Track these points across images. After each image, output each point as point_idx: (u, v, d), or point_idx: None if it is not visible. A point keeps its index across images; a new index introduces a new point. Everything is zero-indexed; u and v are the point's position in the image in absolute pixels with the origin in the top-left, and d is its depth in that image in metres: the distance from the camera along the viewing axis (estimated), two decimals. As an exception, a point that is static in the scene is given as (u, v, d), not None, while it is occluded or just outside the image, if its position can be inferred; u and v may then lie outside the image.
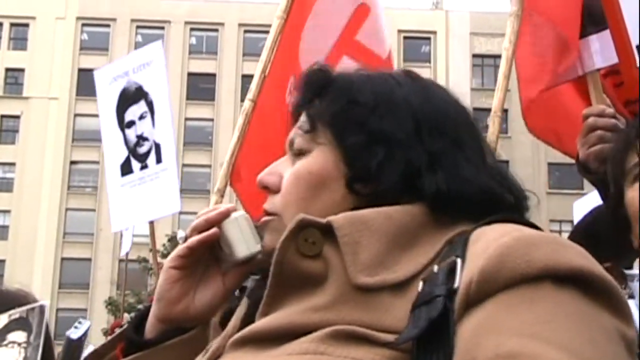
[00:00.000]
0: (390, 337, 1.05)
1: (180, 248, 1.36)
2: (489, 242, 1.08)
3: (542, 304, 1.01)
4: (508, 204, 1.26)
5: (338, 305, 1.12)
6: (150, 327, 1.38)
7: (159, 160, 5.25)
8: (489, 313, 1.02)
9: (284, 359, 1.08)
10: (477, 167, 1.28)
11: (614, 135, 2.42)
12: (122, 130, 5.41)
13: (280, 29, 4.10)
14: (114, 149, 5.42)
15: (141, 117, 5.34)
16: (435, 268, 1.11)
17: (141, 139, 5.33)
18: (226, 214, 1.35)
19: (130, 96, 5.38)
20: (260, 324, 1.16)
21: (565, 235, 2.80)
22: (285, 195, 1.32)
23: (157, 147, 5.28)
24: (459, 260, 1.09)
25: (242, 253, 1.34)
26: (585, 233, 2.62)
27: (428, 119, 1.29)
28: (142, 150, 5.31)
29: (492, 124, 3.22)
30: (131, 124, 5.38)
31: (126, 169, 5.36)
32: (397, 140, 1.27)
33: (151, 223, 5.45)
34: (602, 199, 2.51)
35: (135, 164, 5.33)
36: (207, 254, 1.37)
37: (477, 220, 1.20)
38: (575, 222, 3.07)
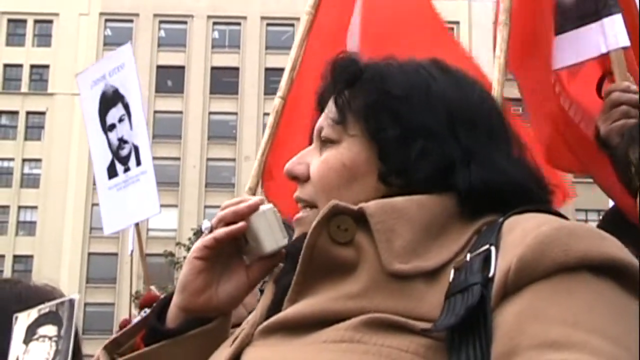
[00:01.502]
0: (425, 325, 1.05)
1: (206, 239, 1.34)
2: (527, 230, 1.08)
3: (581, 294, 1.02)
4: (535, 196, 1.26)
5: (371, 293, 1.11)
6: (172, 317, 1.37)
7: (138, 162, 5.28)
8: (530, 301, 1.02)
9: (320, 346, 1.08)
10: (508, 160, 1.28)
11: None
12: (105, 133, 5.44)
13: (310, 25, 4.08)
14: (100, 153, 5.46)
15: (120, 120, 5.37)
16: (468, 256, 1.11)
17: (122, 141, 5.36)
18: (255, 207, 1.34)
19: (109, 99, 5.42)
20: (291, 311, 1.16)
21: (591, 224, 2.79)
22: (316, 184, 1.32)
23: (136, 149, 5.31)
24: (493, 249, 1.09)
25: (270, 247, 1.33)
26: (615, 220, 2.60)
27: (462, 112, 1.29)
28: (124, 153, 5.34)
29: None
30: (112, 127, 5.41)
31: (112, 172, 5.40)
32: (433, 134, 1.27)
33: (136, 225, 5.47)
34: (618, 177, 2.49)
35: (119, 167, 5.37)
36: (230, 246, 1.36)
37: (503, 210, 1.19)
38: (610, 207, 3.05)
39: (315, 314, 1.12)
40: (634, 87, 2.59)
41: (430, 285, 1.12)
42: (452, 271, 1.11)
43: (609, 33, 2.93)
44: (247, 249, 1.36)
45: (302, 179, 1.36)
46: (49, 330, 1.89)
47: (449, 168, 1.24)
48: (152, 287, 4.58)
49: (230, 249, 1.37)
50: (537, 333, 0.98)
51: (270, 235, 1.33)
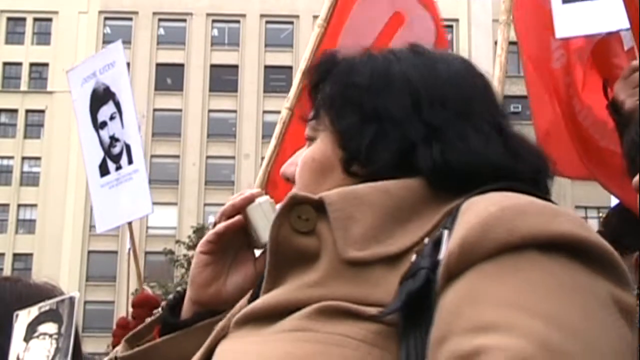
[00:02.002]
0: (373, 312, 1.05)
1: (209, 234, 1.40)
2: (476, 212, 1.05)
3: (525, 273, 0.97)
4: (519, 177, 1.21)
5: (329, 281, 1.12)
6: (186, 309, 1.43)
7: (130, 161, 5.29)
8: (470, 284, 0.99)
9: (276, 336, 1.09)
10: (487, 138, 1.24)
11: None
12: (97, 131, 5.44)
13: (321, 38, 4.10)
14: (91, 150, 5.46)
15: (111, 118, 5.37)
16: (426, 240, 1.10)
17: (113, 139, 5.36)
18: (250, 200, 1.39)
19: (100, 97, 5.42)
20: (259, 302, 1.17)
21: (591, 221, 2.79)
22: (296, 183, 1.34)
23: (128, 147, 5.31)
24: (445, 232, 1.07)
25: (266, 238, 1.33)
26: (621, 217, 2.59)
27: (429, 91, 1.27)
28: (116, 151, 5.34)
29: None
30: (104, 124, 5.41)
31: (104, 170, 5.40)
32: (391, 117, 1.25)
33: (129, 224, 5.48)
34: (622, 145, 2.46)
35: (111, 165, 5.37)
36: (239, 239, 1.41)
37: (475, 190, 1.17)
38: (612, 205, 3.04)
39: (279, 304, 1.13)
40: None
41: (391, 271, 1.11)
42: (414, 256, 1.09)
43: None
44: (252, 241, 1.41)
45: (292, 181, 1.38)
46: (50, 327, 1.89)
47: (411, 151, 1.23)
48: (145, 286, 4.58)
49: (240, 242, 1.41)
50: (470, 316, 0.95)
51: (267, 226, 1.32)
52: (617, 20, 2.85)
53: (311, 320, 1.08)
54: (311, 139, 1.35)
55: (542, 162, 1.29)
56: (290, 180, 1.38)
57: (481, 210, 1.05)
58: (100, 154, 5.39)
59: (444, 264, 1.02)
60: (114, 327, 3.60)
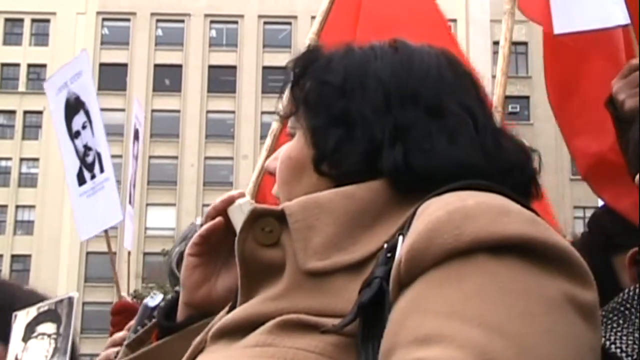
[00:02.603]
0: (329, 325, 1.03)
1: (195, 236, 1.40)
2: (425, 216, 1.02)
3: (471, 279, 0.94)
4: (488, 175, 1.15)
5: (291, 293, 1.10)
6: (180, 312, 1.42)
7: (102, 169, 5.33)
8: (417, 293, 0.96)
9: (241, 352, 1.08)
10: (456, 136, 1.20)
11: None
12: (72, 140, 5.48)
13: None
14: (69, 160, 5.50)
15: (84, 127, 5.41)
16: (385, 246, 1.07)
17: (87, 148, 5.40)
18: (230, 201, 1.37)
19: (73, 106, 5.46)
20: (230, 316, 1.17)
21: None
22: (276, 180, 1.34)
23: (99, 156, 5.35)
24: (400, 238, 1.04)
25: None
26: (612, 218, 2.58)
27: (400, 89, 1.24)
28: (89, 159, 5.38)
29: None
30: (77, 134, 5.45)
31: (81, 179, 5.44)
32: (360, 118, 1.22)
33: (106, 232, 5.51)
34: (619, 143, 2.44)
35: (87, 174, 5.41)
36: (229, 240, 1.32)
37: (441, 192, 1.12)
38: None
39: (246, 318, 1.12)
40: None
41: (352, 280, 1.08)
42: (375, 262, 1.07)
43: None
44: None
45: (274, 175, 1.36)
46: (48, 328, 1.89)
47: (377, 152, 1.20)
48: (124, 295, 4.59)
49: (230, 243, 1.34)
50: (413, 327, 0.92)
51: None
52: (617, 15, 2.82)
53: (271, 334, 1.06)
54: (292, 136, 1.34)
55: (522, 159, 1.25)
56: (272, 175, 1.37)
57: (429, 214, 1.01)
58: (77, 164, 5.43)
59: (394, 273, 1.00)
60: (111, 317, 3.58)
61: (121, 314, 3.48)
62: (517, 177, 1.21)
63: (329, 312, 1.05)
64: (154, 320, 1.51)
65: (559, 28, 2.96)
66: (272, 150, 3.90)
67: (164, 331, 1.42)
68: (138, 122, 7.01)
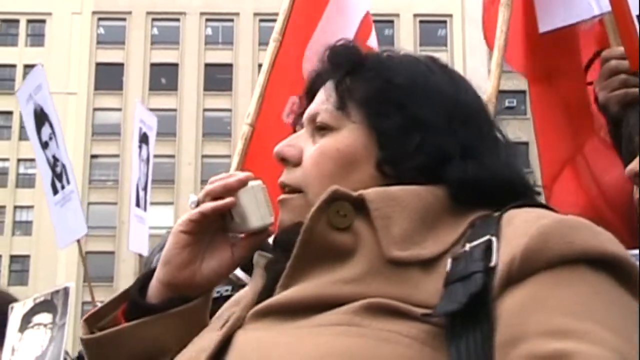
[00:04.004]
0: (424, 311, 1.06)
1: (193, 212, 1.33)
2: (529, 222, 1.10)
3: (583, 285, 1.03)
4: (522, 195, 1.28)
5: (369, 279, 1.12)
6: (155, 292, 1.35)
7: (68, 181, 5.31)
8: (533, 291, 1.03)
9: (314, 330, 1.08)
10: (500, 156, 1.30)
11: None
12: (43, 150, 5.47)
13: (277, 51, 4.08)
14: (43, 168, 5.49)
15: (50, 138, 5.40)
16: (467, 246, 1.12)
17: (55, 159, 5.39)
18: (244, 182, 1.33)
19: (39, 117, 5.46)
20: (285, 295, 1.16)
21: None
22: (309, 170, 1.31)
23: (65, 168, 5.33)
24: (494, 239, 1.10)
25: (255, 223, 1.32)
26: None
27: (457, 108, 1.30)
28: (58, 170, 5.38)
29: None
30: (46, 144, 5.44)
31: (54, 188, 5.44)
32: (431, 127, 1.27)
33: (78, 241, 5.49)
34: (614, 140, 2.45)
35: (58, 184, 5.41)
36: (215, 221, 1.34)
37: (492, 205, 1.22)
38: None
39: (310, 298, 1.13)
40: None
41: (426, 274, 1.12)
42: (450, 261, 1.12)
43: None
44: (232, 225, 1.34)
45: (292, 162, 1.34)
46: (44, 318, 1.89)
47: (442, 161, 1.25)
48: (99, 305, 4.59)
49: (216, 225, 1.35)
50: (542, 321, 0.99)
51: (257, 212, 1.32)
52: (592, 6, 2.85)
53: (357, 315, 1.07)
54: (329, 128, 1.32)
55: (525, 177, 1.34)
56: (285, 162, 1.35)
57: (534, 220, 1.10)
58: (49, 173, 5.42)
59: (504, 270, 1.05)
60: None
61: None
62: (532, 195, 1.33)
63: (410, 301, 1.08)
64: (117, 294, 1.40)
65: (543, 27, 3.04)
66: (244, 154, 3.89)
67: (138, 310, 1.34)
68: (147, 126, 6.95)
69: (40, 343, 1.85)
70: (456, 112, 1.30)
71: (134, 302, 1.36)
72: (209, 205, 1.33)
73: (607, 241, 1.08)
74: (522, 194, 1.27)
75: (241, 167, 3.87)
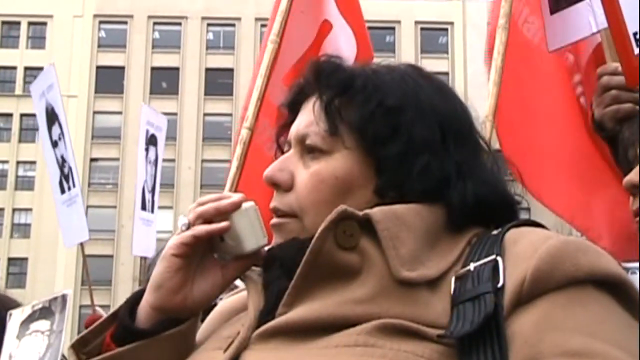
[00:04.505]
0: (436, 332, 1.07)
1: (184, 235, 1.29)
2: (535, 243, 1.12)
3: (592, 306, 1.06)
4: (512, 207, 1.31)
5: (379, 299, 1.12)
6: (145, 316, 1.31)
7: (74, 183, 5.31)
8: (546, 311, 1.05)
9: (333, 351, 1.08)
10: (492, 172, 1.31)
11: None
12: (53, 148, 5.46)
13: (275, 54, 4.05)
14: (52, 167, 5.49)
15: (60, 138, 5.39)
16: (472, 266, 1.13)
17: (63, 159, 5.38)
18: (238, 205, 1.30)
19: (50, 116, 5.46)
20: (293, 315, 1.15)
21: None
22: (305, 196, 1.29)
23: (71, 170, 5.33)
24: (500, 259, 1.11)
25: (251, 246, 1.30)
26: None
27: (450, 124, 1.29)
28: (65, 171, 5.38)
29: (484, 127, 3.25)
30: (56, 143, 5.44)
31: (62, 188, 5.44)
32: (432, 148, 1.26)
33: (81, 245, 5.47)
34: (614, 157, 2.47)
35: (65, 184, 5.40)
36: (205, 244, 1.31)
37: (486, 222, 1.25)
38: None
39: (320, 319, 1.12)
40: None
41: (432, 293, 1.13)
42: (453, 280, 1.13)
43: (597, 11, 2.87)
44: (223, 247, 1.31)
45: (283, 188, 1.32)
46: (42, 325, 1.88)
47: (444, 181, 1.25)
48: (98, 309, 4.55)
49: (205, 247, 1.32)
50: (558, 342, 1.01)
51: (252, 234, 1.30)
52: (595, 21, 2.91)
53: (372, 336, 1.07)
54: (320, 151, 1.30)
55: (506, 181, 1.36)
56: (276, 187, 1.32)
57: (541, 241, 1.12)
58: (57, 172, 5.41)
59: (514, 291, 1.07)
60: (85, 325, 3.55)
61: None
62: (516, 206, 1.34)
63: (421, 321, 1.09)
64: (103, 318, 1.37)
65: (551, 46, 3.15)
66: (243, 158, 3.88)
67: (127, 334, 1.30)
68: (155, 127, 6.93)
69: (38, 350, 1.85)
70: (449, 129, 1.29)
71: (124, 326, 1.32)
72: (202, 228, 1.29)
73: (609, 262, 1.11)
74: (514, 209, 1.30)
75: (240, 171, 3.86)
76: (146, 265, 5.70)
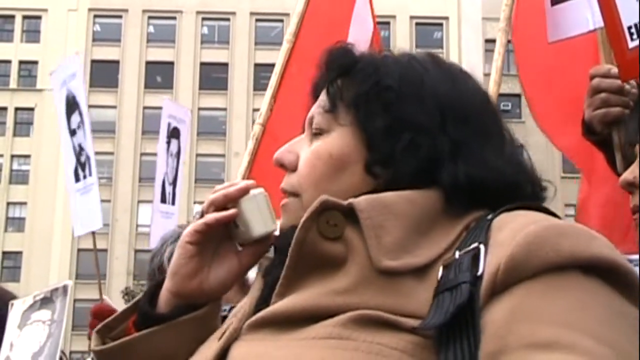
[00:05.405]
0: (413, 322, 1.05)
1: (197, 223, 1.32)
2: (516, 230, 1.08)
3: (572, 293, 1.01)
4: (525, 192, 1.26)
5: (361, 289, 1.11)
6: (164, 301, 1.36)
7: (90, 172, 5.35)
8: (520, 300, 1.01)
9: (309, 343, 1.07)
10: (498, 156, 1.26)
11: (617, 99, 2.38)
12: (70, 137, 5.50)
13: (289, 53, 4.08)
14: (68, 155, 5.51)
15: (78, 127, 5.42)
16: (457, 254, 1.11)
17: (80, 148, 5.42)
18: (245, 191, 1.33)
19: (71, 104, 5.48)
20: (280, 305, 1.15)
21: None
22: (303, 175, 1.31)
23: (89, 159, 5.37)
24: (482, 247, 1.08)
25: (259, 231, 1.32)
26: None
27: (453, 107, 1.28)
28: (82, 159, 5.40)
29: None
30: (74, 132, 5.46)
31: (77, 176, 5.47)
32: (422, 128, 1.25)
33: (93, 234, 5.51)
34: (606, 160, 2.48)
35: (80, 173, 5.43)
36: (222, 230, 1.34)
37: (491, 206, 1.20)
38: None
39: (304, 309, 1.12)
40: (615, 70, 2.48)
41: (419, 282, 1.11)
42: (441, 268, 1.10)
43: (595, 9, 2.82)
44: (237, 233, 1.34)
45: (289, 168, 1.34)
46: (43, 315, 1.90)
47: (435, 163, 1.23)
48: (105, 297, 4.57)
49: (222, 234, 1.35)
50: (527, 333, 0.97)
51: (260, 220, 1.32)
52: (592, 19, 2.91)
53: (347, 328, 1.06)
54: (321, 131, 1.32)
55: (538, 177, 1.32)
56: (284, 167, 1.35)
57: (521, 228, 1.07)
58: (73, 160, 5.44)
59: (489, 280, 1.04)
60: (90, 318, 3.58)
61: (100, 317, 3.50)
62: (537, 192, 1.30)
63: (401, 312, 1.07)
64: (128, 305, 1.43)
65: (551, 37, 3.13)
66: (255, 153, 3.91)
67: (147, 320, 1.35)
68: (178, 120, 6.99)
69: (39, 339, 1.86)
70: (451, 111, 1.27)
71: (143, 312, 1.37)
72: (212, 216, 1.33)
73: (600, 246, 1.06)
74: (524, 194, 1.25)
75: (251, 167, 3.89)
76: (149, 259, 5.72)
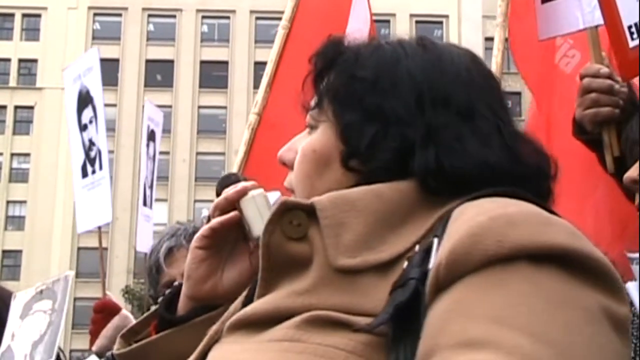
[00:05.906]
0: (368, 321, 1.01)
1: (204, 228, 1.35)
2: (464, 221, 1.02)
3: (514, 286, 0.94)
4: (518, 180, 1.17)
5: (319, 289, 1.09)
6: (182, 305, 1.39)
7: (100, 167, 5.37)
8: (458, 297, 0.95)
9: (264, 345, 1.07)
10: (487, 140, 1.19)
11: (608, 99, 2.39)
12: (80, 132, 5.52)
13: (285, 39, 4.08)
14: (76, 150, 5.54)
15: (90, 122, 5.45)
16: (417, 248, 1.07)
17: (91, 143, 5.44)
18: (243, 193, 1.34)
19: (84, 99, 5.50)
20: (250, 307, 1.15)
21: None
22: (294, 173, 1.31)
23: (100, 153, 5.40)
24: (435, 240, 1.04)
25: (258, 232, 1.30)
26: None
27: (433, 91, 1.22)
28: (92, 154, 5.42)
29: None
30: (85, 127, 5.49)
31: (84, 172, 5.49)
32: (394, 117, 1.21)
33: (99, 229, 5.54)
34: (598, 159, 2.49)
35: (89, 168, 5.45)
36: (235, 232, 1.36)
37: (477, 197, 1.11)
38: None
39: (269, 311, 1.11)
40: (605, 70, 2.47)
41: (381, 279, 1.07)
42: (405, 263, 1.06)
43: (585, 9, 2.85)
44: (247, 234, 1.36)
45: (289, 166, 1.34)
46: (45, 305, 1.92)
47: (409, 152, 1.19)
48: (109, 293, 4.60)
49: (236, 235, 1.37)
50: (457, 331, 0.91)
51: (259, 220, 1.32)
52: (582, 18, 2.88)
53: (299, 330, 1.05)
54: (312, 128, 1.31)
55: (543, 163, 1.25)
56: (286, 166, 1.35)
57: (469, 219, 1.01)
58: (82, 155, 5.47)
59: (433, 276, 0.98)
60: (93, 314, 3.58)
61: (102, 312, 3.51)
62: (539, 182, 1.23)
63: (358, 310, 1.05)
64: (150, 310, 1.48)
65: (541, 35, 3.13)
66: (251, 143, 3.91)
67: (165, 323, 1.40)
68: (154, 123, 7.03)
69: (39, 328, 1.89)
70: (429, 95, 1.22)
71: (161, 316, 1.42)
72: (216, 220, 1.36)
73: (552, 232, 0.99)
74: (510, 181, 1.16)
75: (247, 156, 3.89)
76: (145, 259, 5.76)
